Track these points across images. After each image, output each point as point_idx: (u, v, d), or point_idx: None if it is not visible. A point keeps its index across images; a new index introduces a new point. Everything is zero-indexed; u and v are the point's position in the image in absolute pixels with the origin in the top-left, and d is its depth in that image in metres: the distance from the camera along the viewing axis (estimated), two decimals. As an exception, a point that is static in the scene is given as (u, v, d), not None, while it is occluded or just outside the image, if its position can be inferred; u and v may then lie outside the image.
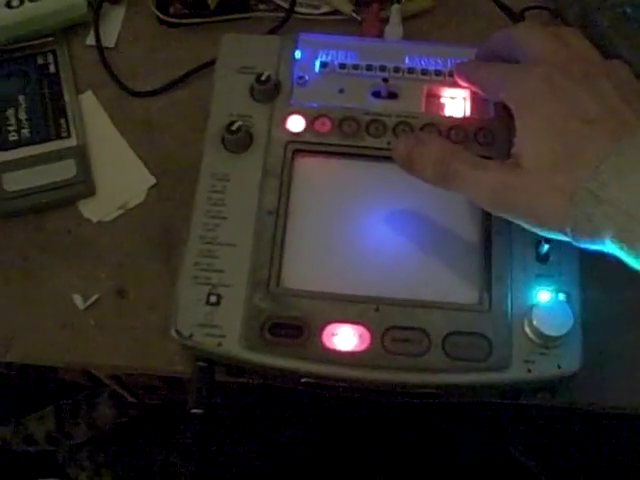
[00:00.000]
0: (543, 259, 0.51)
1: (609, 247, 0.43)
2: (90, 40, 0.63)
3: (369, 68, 0.57)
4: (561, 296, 0.50)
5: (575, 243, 0.45)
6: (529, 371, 0.48)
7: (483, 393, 0.51)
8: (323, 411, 0.74)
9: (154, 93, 0.61)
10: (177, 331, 0.49)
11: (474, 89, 0.54)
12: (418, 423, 0.85)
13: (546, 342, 0.48)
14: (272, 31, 0.63)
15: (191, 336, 0.49)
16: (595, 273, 0.51)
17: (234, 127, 0.53)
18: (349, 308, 0.49)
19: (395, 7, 0.62)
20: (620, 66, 0.49)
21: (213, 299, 0.50)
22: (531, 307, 0.49)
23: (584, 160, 0.44)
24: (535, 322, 0.48)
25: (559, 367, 0.48)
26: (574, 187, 0.43)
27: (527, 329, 0.49)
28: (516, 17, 0.61)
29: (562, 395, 0.51)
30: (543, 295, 0.50)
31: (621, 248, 0.42)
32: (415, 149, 0.49)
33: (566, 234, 0.45)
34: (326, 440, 0.86)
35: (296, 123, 0.55)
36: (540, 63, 0.48)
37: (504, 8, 0.61)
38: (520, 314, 0.49)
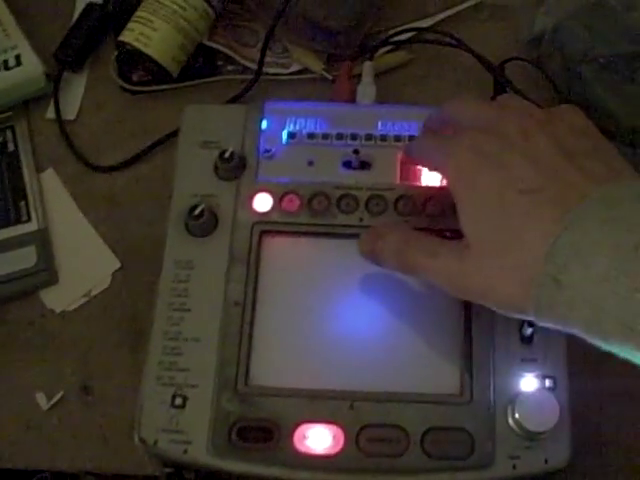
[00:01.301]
0: (527, 341, 0.48)
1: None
2: (50, 113, 0.61)
3: (339, 137, 0.54)
4: (547, 382, 0.47)
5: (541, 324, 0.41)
6: (514, 467, 0.45)
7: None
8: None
9: (117, 168, 0.59)
10: (140, 438, 0.46)
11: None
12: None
13: (531, 435, 0.45)
14: (240, 94, 0.60)
15: (155, 443, 0.46)
16: (584, 351, 0.47)
17: (197, 211, 0.50)
18: (322, 406, 0.46)
19: (367, 64, 0.59)
20: (566, 112, 0.44)
21: (178, 401, 0.47)
22: (515, 396, 0.46)
23: (531, 238, 0.39)
24: (518, 416, 0.45)
25: (546, 462, 0.45)
26: (529, 270, 0.39)
27: (511, 421, 0.46)
28: (495, 69, 0.58)
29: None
30: (527, 382, 0.47)
31: (591, 339, 0.38)
32: (377, 244, 0.46)
33: (530, 317, 0.40)
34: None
35: (263, 202, 0.52)
36: (468, 131, 0.44)
37: (483, 60, 0.58)
38: (503, 404, 0.46)
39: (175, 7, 0.57)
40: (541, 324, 0.41)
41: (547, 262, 0.38)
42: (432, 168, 0.49)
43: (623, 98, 0.55)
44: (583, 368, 0.48)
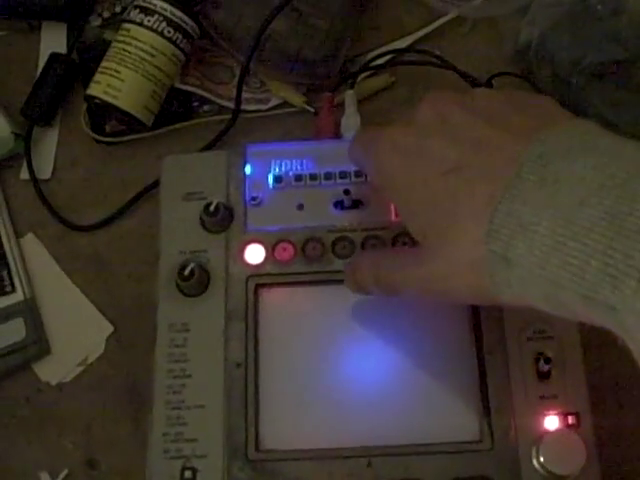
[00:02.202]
0: (545, 377, 0.46)
1: None
2: (24, 174, 0.58)
3: (328, 176, 0.51)
4: (570, 419, 0.45)
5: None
6: (544, 513, 0.43)
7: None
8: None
9: (100, 226, 0.56)
10: (152, 518, 0.44)
11: None
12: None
13: (559, 478, 0.43)
14: (219, 136, 0.57)
15: (169, 521, 0.44)
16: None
17: (186, 272, 0.48)
18: (339, 467, 0.44)
19: (348, 93, 0.56)
20: (482, 90, 0.41)
21: (188, 474, 0.45)
22: (538, 438, 0.44)
23: (467, 220, 0.35)
24: (544, 460, 0.43)
25: (578, 506, 0.44)
26: (475, 253, 0.35)
27: (536, 464, 0.44)
28: (482, 86, 0.55)
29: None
30: (550, 421, 0.45)
31: (555, 313, 0.35)
32: (356, 278, 0.45)
33: (499, 301, 0.37)
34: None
35: (255, 253, 0.49)
36: (385, 129, 0.41)
37: (468, 77, 0.56)
38: (527, 447, 0.44)
39: (142, 54, 0.54)
40: (511, 305, 0.37)
41: (489, 241, 0.34)
42: (366, 174, 0.47)
43: (618, 106, 0.53)
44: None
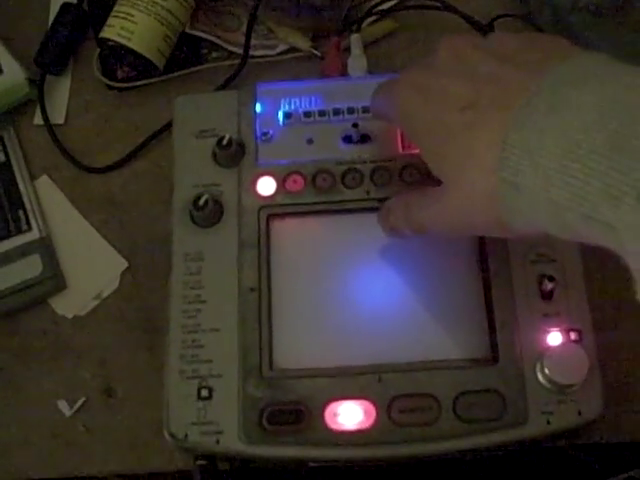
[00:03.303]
0: (548, 296, 0.48)
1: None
2: (38, 119, 0.59)
3: (336, 112, 0.53)
4: (572, 335, 0.46)
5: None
6: (549, 423, 0.45)
7: (502, 449, 0.48)
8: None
9: (113, 167, 0.58)
10: (170, 433, 0.46)
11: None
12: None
13: (563, 389, 0.45)
14: (228, 80, 0.59)
15: (186, 437, 0.46)
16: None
17: (201, 202, 0.50)
18: (350, 383, 0.46)
19: (354, 37, 0.58)
20: (498, 32, 0.43)
21: (205, 393, 0.47)
22: (542, 352, 0.45)
23: (481, 149, 0.37)
24: (548, 371, 0.45)
25: (580, 414, 0.45)
26: (489, 181, 0.37)
27: (540, 377, 0.46)
28: (484, 28, 0.57)
29: (584, 435, 0.48)
30: (553, 337, 0.46)
31: (562, 236, 0.36)
32: (389, 220, 0.47)
33: (513, 231, 0.39)
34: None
35: (266, 185, 0.51)
36: (404, 72, 0.43)
37: (470, 20, 0.57)
38: (531, 361, 0.46)
39: (154, -2, 0.56)
40: (522, 233, 0.39)
41: (501, 168, 0.36)
42: (389, 120, 0.48)
43: (616, 43, 0.54)
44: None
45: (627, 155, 0.31)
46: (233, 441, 0.45)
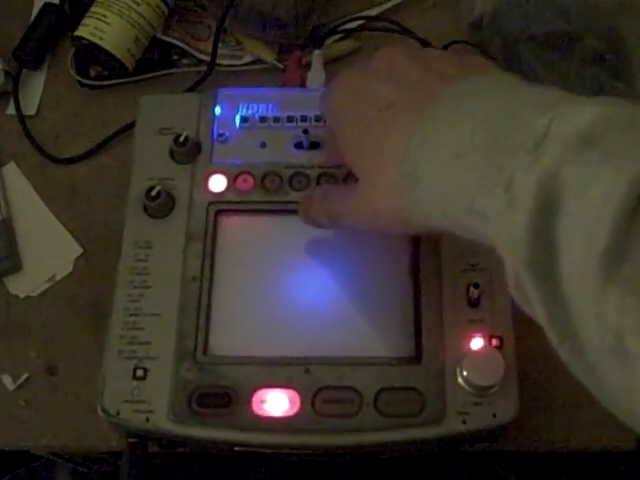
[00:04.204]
0: (474, 304, 0.50)
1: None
2: (11, 110, 0.62)
3: (290, 119, 0.56)
4: (494, 341, 0.49)
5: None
6: (464, 422, 0.47)
7: (421, 448, 0.50)
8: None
9: (78, 159, 0.60)
10: (103, 409, 0.48)
11: None
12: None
13: (480, 391, 0.47)
14: (194, 86, 0.62)
15: (118, 413, 0.48)
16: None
17: (153, 193, 0.52)
18: (278, 372, 0.48)
19: (316, 53, 0.61)
20: (436, 48, 0.47)
21: (140, 373, 0.49)
22: (463, 356, 0.48)
23: (390, 146, 0.40)
24: (466, 373, 0.47)
25: (495, 416, 0.47)
26: (395, 176, 0.40)
27: (460, 379, 0.48)
28: (439, 53, 0.60)
29: (502, 441, 0.50)
30: (475, 342, 0.49)
31: (453, 230, 0.39)
32: (309, 209, 0.49)
33: (414, 226, 0.42)
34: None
35: (218, 183, 0.54)
36: (340, 74, 0.47)
37: (427, 45, 0.60)
38: (453, 364, 0.48)
39: (129, 2, 0.59)
40: (422, 229, 0.42)
41: (403, 163, 0.39)
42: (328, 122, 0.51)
43: (560, 74, 0.57)
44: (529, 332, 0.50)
45: (503, 151, 0.34)
46: (162, 420, 0.47)
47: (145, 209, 0.53)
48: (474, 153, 0.35)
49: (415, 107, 0.40)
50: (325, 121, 0.54)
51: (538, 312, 0.33)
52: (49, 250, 0.57)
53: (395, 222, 0.43)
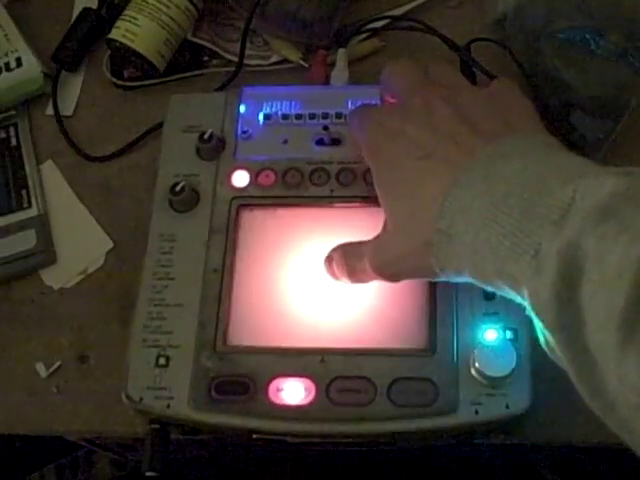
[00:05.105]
0: (490, 297, 0.50)
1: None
2: (49, 110, 0.65)
3: (312, 117, 0.57)
4: (508, 334, 0.49)
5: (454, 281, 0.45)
6: (477, 413, 0.48)
7: (433, 438, 0.50)
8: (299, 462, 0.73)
9: (111, 157, 0.63)
10: (127, 396, 0.50)
11: None
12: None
13: (492, 383, 0.48)
14: (223, 86, 0.63)
15: (141, 400, 0.49)
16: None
17: (178, 188, 0.54)
18: (294, 361, 0.49)
19: (341, 51, 0.62)
20: (473, 88, 0.48)
21: (162, 361, 0.50)
22: (476, 347, 0.48)
23: (426, 200, 0.42)
24: (478, 364, 0.47)
25: (507, 407, 0.48)
26: (428, 230, 0.42)
27: (473, 370, 0.48)
28: (461, 50, 0.61)
29: (517, 433, 0.50)
30: (489, 334, 0.49)
31: (480, 284, 0.42)
32: (331, 269, 0.50)
33: (440, 277, 0.44)
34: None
35: (241, 178, 0.55)
36: (376, 109, 0.49)
37: (449, 43, 0.61)
38: (466, 355, 0.49)
39: (159, 5, 0.61)
40: (449, 279, 0.44)
41: (439, 219, 0.41)
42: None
43: (580, 70, 0.57)
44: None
45: (532, 219, 0.37)
46: (182, 407, 0.49)
47: (170, 204, 0.55)
48: (506, 220, 0.38)
49: (452, 162, 0.42)
50: (349, 121, 0.55)
51: (568, 370, 0.36)
52: (82, 244, 0.60)
53: (420, 274, 0.46)
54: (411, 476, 0.77)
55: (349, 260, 0.49)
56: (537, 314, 0.38)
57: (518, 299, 0.40)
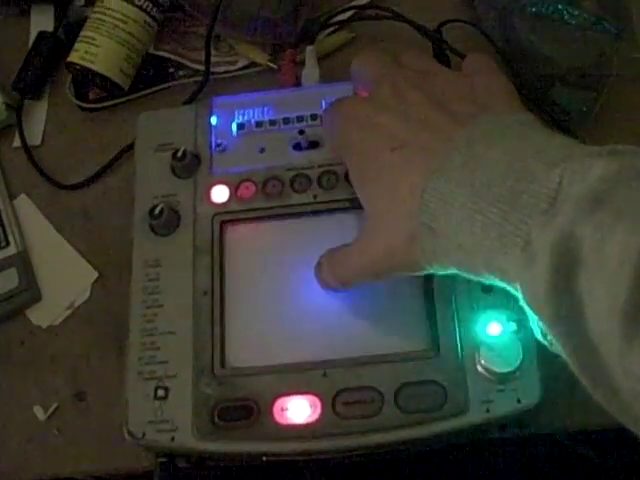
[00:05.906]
0: (488, 289, 0.49)
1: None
2: (17, 142, 0.63)
3: (286, 121, 0.55)
4: (512, 326, 0.48)
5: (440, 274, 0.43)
6: (488, 411, 0.46)
7: (448, 439, 0.49)
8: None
9: (85, 184, 0.61)
10: (129, 432, 0.48)
11: None
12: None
13: (501, 378, 0.46)
14: (192, 97, 0.61)
15: (144, 435, 0.48)
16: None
17: (156, 211, 0.52)
18: (296, 378, 0.48)
19: (309, 49, 0.60)
20: (443, 69, 0.47)
21: (161, 393, 0.49)
22: (480, 343, 0.47)
23: (405, 193, 0.40)
24: (484, 360, 0.46)
25: (519, 402, 0.46)
26: (410, 224, 0.40)
27: (479, 367, 0.47)
28: (433, 35, 0.59)
29: (532, 424, 0.49)
30: (492, 328, 0.48)
31: (469, 277, 0.41)
32: (321, 276, 0.49)
33: (427, 271, 0.43)
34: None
35: (220, 193, 0.54)
36: (344, 100, 0.47)
37: (419, 28, 0.59)
38: (471, 352, 0.47)
39: (115, 22, 0.59)
40: (436, 272, 0.43)
41: (420, 212, 0.39)
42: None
43: (556, 41, 0.55)
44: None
45: (519, 209, 0.35)
46: (187, 438, 0.48)
47: (151, 228, 0.53)
48: (491, 210, 0.36)
49: (426, 148, 0.40)
50: (322, 121, 0.54)
51: (569, 361, 0.35)
52: (66, 277, 0.58)
53: (407, 270, 0.44)
54: (428, 468, 0.76)
55: (337, 264, 0.48)
56: (532, 307, 0.36)
57: (512, 290, 0.38)
